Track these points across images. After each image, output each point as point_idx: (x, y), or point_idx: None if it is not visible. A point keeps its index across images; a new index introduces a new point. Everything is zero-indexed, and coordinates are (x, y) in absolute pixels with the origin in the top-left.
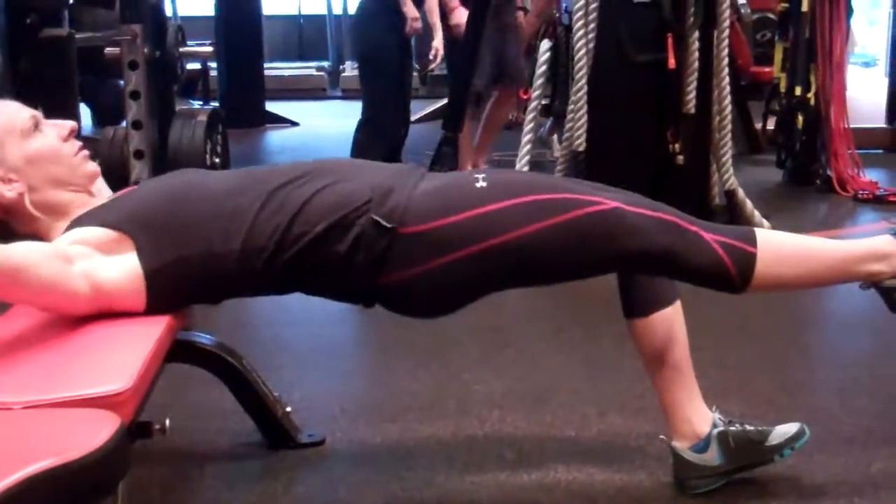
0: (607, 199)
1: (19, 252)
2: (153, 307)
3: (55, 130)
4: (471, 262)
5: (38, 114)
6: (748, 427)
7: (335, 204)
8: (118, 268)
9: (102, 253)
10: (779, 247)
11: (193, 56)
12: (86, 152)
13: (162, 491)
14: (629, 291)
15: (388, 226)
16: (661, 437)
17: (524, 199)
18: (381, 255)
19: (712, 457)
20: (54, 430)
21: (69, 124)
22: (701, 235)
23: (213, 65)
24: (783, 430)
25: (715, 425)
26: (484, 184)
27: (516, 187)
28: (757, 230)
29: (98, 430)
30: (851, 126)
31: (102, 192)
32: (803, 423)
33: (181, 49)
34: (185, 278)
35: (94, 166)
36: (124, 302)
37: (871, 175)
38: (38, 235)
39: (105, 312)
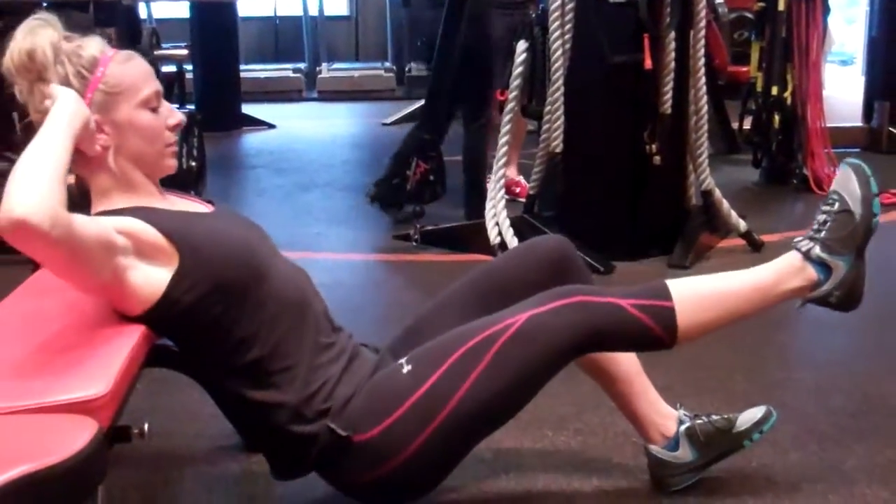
0: (518, 315)
1: (79, 229)
2: (142, 319)
3: (167, 114)
4: (431, 445)
5: (161, 90)
6: (714, 417)
7: (309, 390)
8: (147, 276)
9: (142, 255)
10: (693, 294)
11: (168, 59)
12: (175, 149)
13: (141, 494)
14: None
15: (343, 434)
16: (635, 439)
17: (447, 363)
18: (336, 457)
19: (685, 453)
20: (32, 436)
21: (180, 117)
22: (617, 304)
23: (189, 67)
24: (750, 415)
25: (681, 422)
26: (409, 366)
27: (436, 355)
28: (668, 282)
29: (76, 436)
30: (828, 125)
31: (167, 195)
32: (769, 406)
33: (156, 52)
34: (186, 322)
35: (174, 162)
36: (127, 304)
37: None
38: (90, 188)
39: (101, 300)
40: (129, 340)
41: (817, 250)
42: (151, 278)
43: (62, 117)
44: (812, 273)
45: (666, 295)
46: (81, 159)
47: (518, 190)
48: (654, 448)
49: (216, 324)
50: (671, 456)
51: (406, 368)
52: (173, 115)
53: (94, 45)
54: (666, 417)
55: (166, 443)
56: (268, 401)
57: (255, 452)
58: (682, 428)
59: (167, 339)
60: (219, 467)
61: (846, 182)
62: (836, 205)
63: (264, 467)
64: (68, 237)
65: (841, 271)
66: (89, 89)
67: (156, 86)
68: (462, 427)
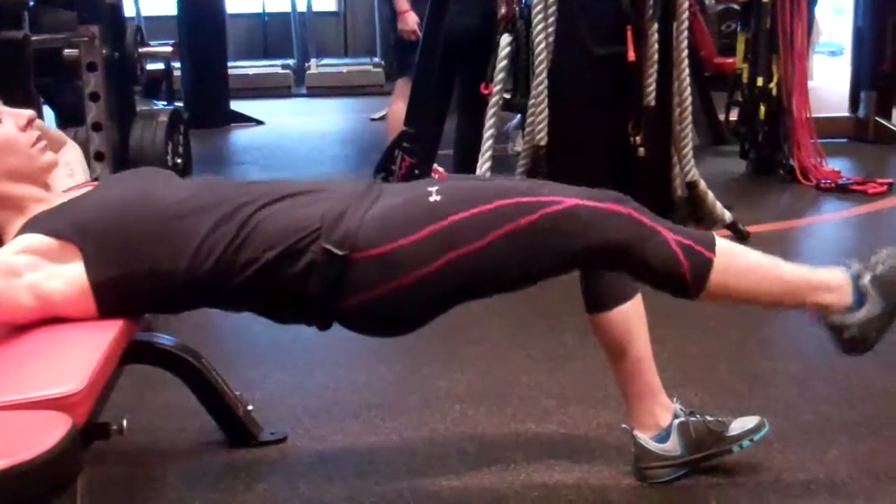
0: (564, 197)
1: None
2: (105, 314)
3: (13, 120)
4: (428, 281)
5: None
6: (708, 418)
7: (285, 230)
8: (66, 277)
9: (51, 261)
10: (738, 258)
11: (154, 56)
12: (43, 142)
13: (124, 490)
14: (591, 287)
15: (340, 253)
16: (624, 425)
17: (481, 209)
18: (334, 281)
19: (674, 446)
20: (5, 433)
21: (27, 113)
22: (659, 232)
23: (178, 65)
24: (742, 422)
25: (676, 416)
26: (438, 197)
27: (472, 197)
28: (719, 239)
29: (49, 432)
30: (815, 115)
31: (57, 184)
32: (763, 415)
33: (141, 49)
34: (133, 292)
35: (51, 156)
36: (73, 310)
37: (834, 164)
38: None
39: (57, 318)
40: (105, 337)
41: (866, 280)
42: (72, 277)
43: None
44: (848, 298)
45: (711, 246)
46: None
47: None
48: (642, 436)
49: (156, 271)
50: (659, 448)
51: (434, 197)
52: (16, 114)
53: None
54: (663, 408)
55: (149, 438)
56: (258, 270)
57: (237, 446)
58: (676, 421)
59: (148, 312)
60: (202, 462)
61: None
62: None
63: (247, 462)
64: None
65: (874, 311)
66: None
67: None
68: (468, 273)
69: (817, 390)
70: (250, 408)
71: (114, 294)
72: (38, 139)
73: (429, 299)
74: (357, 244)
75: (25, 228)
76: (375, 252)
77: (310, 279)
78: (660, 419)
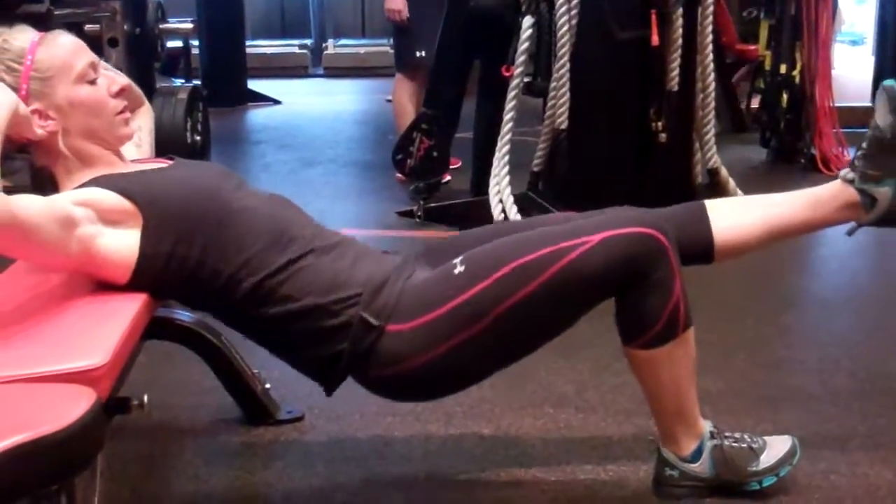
0: (592, 235)
1: (23, 211)
2: (134, 285)
3: (107, 83)
4: (460, 352)
5: (98, 60)
6: (742, 444)
7: (329, 284)
8: (117, 240)
9: (107, 221)
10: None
11: (174, 33)
12: (127, 115)
13: (142, 466)
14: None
15: (376, 323)
16: (650, 437)
17: (504, 270)
18: (366, 349)
19: (703, 469)
20: (29, 405)
21: (123, 82)
22: (675, 274)
23: (196, 43)
24: (775, 449)
25: (712, 437)
26: (462, 268)
27: (494, 259)
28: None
29: (73, 405)
30: (837, 104)
31: (127, 161)
32: (784, 406)
33: (161, 26)
34: (172, 273)
35: (130, 129)
36: (109, 273)
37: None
38: (54, 175)
39: (87, 277)
40: (129, 311)
41: (858, 182)
42: (123, 242)
43: None
44: (855, 197)
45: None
46: (39, 150)
47: None
48: (670, 455)
49: (200, 266)
50: (687, 467)
51: (459, 269)
52: (115, 81)
53: (20, 36)
54: (693, 437)
55: (167, 415)
56: (289, 311)
57: (255, 425)
58: (711, 444)
59: (170, 299)
60: (219, 440)
61: (877, 105)
62: (870, 132)
63: (264, 440)
64: (10, 221)
65: (885, 200)
66: (23, 80)
67: (88, 58)
68: (503, 337)
69: (837, 380)
70: (268, 386)
71: (154, 270)
72: (124, 110)
73: (463, 370)
74: (392, 317)
75: (94, 183)
76: (408, 326)
77: (341, 339)
78: (684, 448)
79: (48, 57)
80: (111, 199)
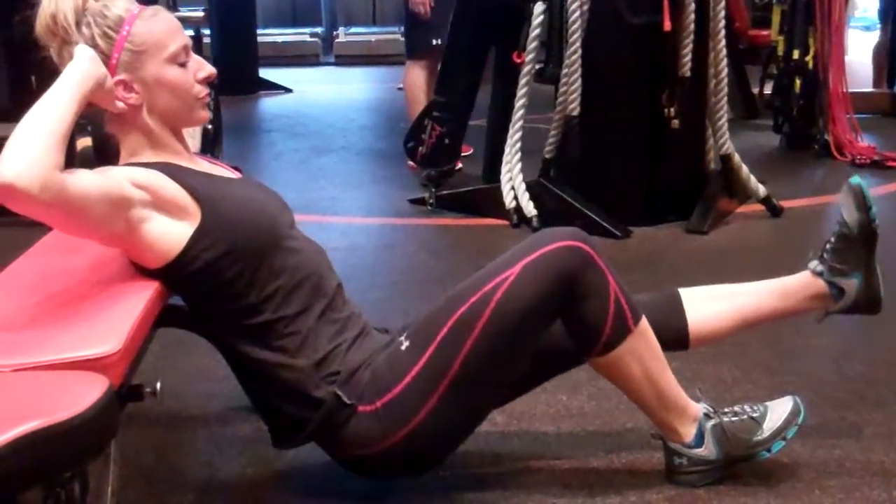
0: (511, 267)
1: (77, 191)
2: (159, 274)
3: (197, 67)
4: (435, 418)
5: (190, 44)
6: (743, 416)
7: (323, 354)
8: (167, 228)
9: (161, 208)
10: (703, 291)
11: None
12: (207, 100)
13: (154, 454)
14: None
15: (348, 402)
16: (652, 433)
17: (443, 333)
18: (337, 426)
19: (709, 451)
20: (43, 392)
21: (210, 70)
22: (606, 276)
23: (207, 31)
24: (777, 412)
25: (708, 417)
26: (407, 343)
27: (431, 324)
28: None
29: (87, 393)
30: (850, 90)
31: (189, 147)
32: (796, 393)
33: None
34: (201, 280)
35: (207, 114)
36: (145, 256)
37: (869, 139)
38: (119, 143)
39: (120, 250)
40: (142, 299)
41: (826, 276)
42: (171, 232)
43: (70, 78)
44: (824, 289)
45: (637, 317)
46: (113, 118)
47: None
48: (674, 444)
49: (229, 286)
50: (693, 453)
51: (404, 345)
52: (203, 67)
53: (120, 4)
54: (689, 422)
55: (179, 403)
56: (277, 362)
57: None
58: (709, 424)
59: (179, 295)
60: (231, 428)
61: (843, 201)
62: (838, 227)
63: None
64: (61, 199)
65: (852, 291)
66: (116, 49)
67: (183, 40)
68: (465, 394)
69: (852, 367)
70: None
71: (187, 269)
72: (206, 97)
73: (441, 435)
74: (363, 398)
75: (163, 168)
76: (372, 407)
77: (313, 408)
78: (684, 435)
79: (144, 31)
80: (174, 189)
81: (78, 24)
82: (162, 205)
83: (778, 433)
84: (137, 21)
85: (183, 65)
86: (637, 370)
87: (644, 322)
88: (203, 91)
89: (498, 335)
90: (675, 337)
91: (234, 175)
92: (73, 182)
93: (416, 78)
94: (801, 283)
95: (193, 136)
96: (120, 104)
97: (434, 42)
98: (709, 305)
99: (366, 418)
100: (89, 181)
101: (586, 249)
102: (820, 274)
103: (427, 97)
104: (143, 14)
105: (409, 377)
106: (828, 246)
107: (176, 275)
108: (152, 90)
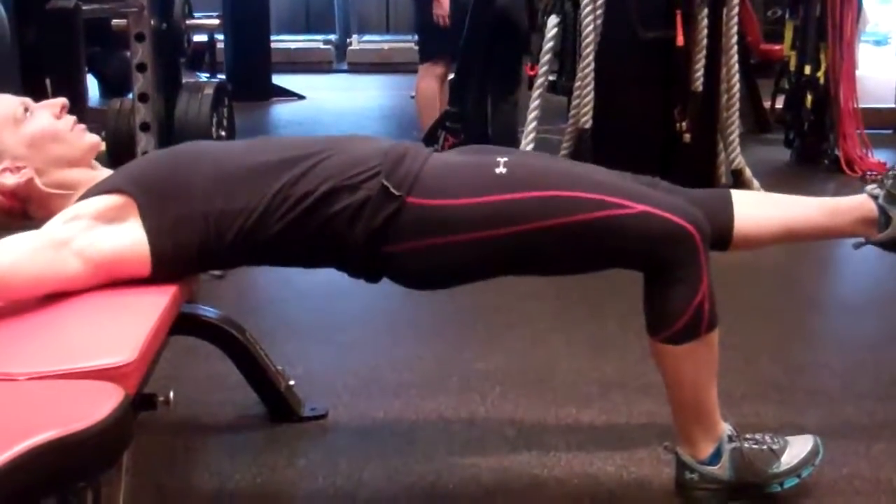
0: (635, 203)
1: (4, 255)
2: (158, 272)
3: (47, 111)
4: (471, 247)
5: (27, 99)
6: (763, 445)
7: (344, 164)
8: (121, 235)
9: (104, 222)
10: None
11: (200, 28)
12: (82, 126)
13: (166, 462)
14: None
15: (397, 193)
16: (665, 444)
17: (542, 194)
18: (384, 222)
19: (723, 471)
20: (58, 402)
21: (59, 101)
22: (703, 278)
23: (221, 37)
24: (797, 448)
25: (730, 440)
26: (504, 170)
27: (537, 179)
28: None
29: (102, 402)
30: (861, 106)
31: (102, 170)
32: (807, 409)
33: (188, 21)
34: (187, 239)
35: (93, 137)
36: (128, 269)
37: (880, 155)
38: (43, 216)
39: (111, 282)
40: (157, 307)
41: (881, 199)
42: (128, 235)
43: None
44: (874, 213)
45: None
46: (30, 204)
47: None
48: (687, 458)
49: (209, 219)
50: (706, 470)
51: (501, 169)
52: (49, 104)
53: None
54: (710, 440)
55: (191, 410)
56: (308, 206)
57: (279, 421)
58: (730, 447)
59: (202, 270)
60: (243, 436)
61: None
62: None
63: (288, 437)
64: (9, 271)
65: None
66: None
67: (17, 99)
68: (501, 252)
69: (861, 385)
70: (292, 383)
71: (168, 243)
72: (76, 122)
73: (469, 265)
74: (415, 188)
75: (79, 199)
76: (430, 203)
77: (361, 216)
78: (701, 451)
79: None
80: (98, 201)
81: None
82: (100, 218)
83: (793, 470)
84: None
85: (32, 115)
86: (689, 373)
87: (715, 333)
88: (68, 122)
89: (577, 240)
90: (718, 233)
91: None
92: (6, 248)
93: (429, 86)
94: (853, 204)
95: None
96: (21, 180)
97: (448, 47)
98: (757, 209)
99: (417, 210)
100: (13, 243)
101: (699, 242)
102: (875, 197)
103: (440, 106)
104: None
105: (489, 198)
106: (890, 172)
107: (170, 261)
108: (31, 155)
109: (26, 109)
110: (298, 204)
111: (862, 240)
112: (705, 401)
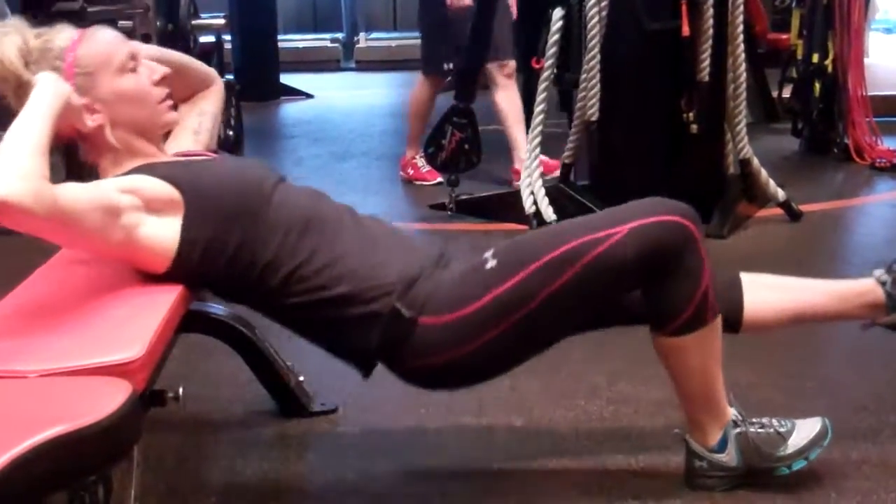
0: (621, 225)
1: (67, 199)
2: (170, 274)
3: (149, 72)
4: (494, 345)
5: (138, 50)
6: (769, 429)
7: (362, 274)
8: (159, 229)
9: (150, 209)
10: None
11: (206, 29)
12: (170, 102)
13: (176, 458)
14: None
15: (407, 315)
16: (676, 430)
17: (536, 265)
18: (398, 340)
19: (730, 458)
20: (68, 398)
21: (163, 70)
22: (704, 265)
23: (228, 37)
24: (804, 431)
25: (735, 424)
26: (493, 262)
27: (526, 255)
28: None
29: (111, 398)
30: (871, 93)
31: (181, 142)
32: (818, 397)
33: (194, 22)
34: (210, 264)
35: (174, 116)
36: (148, 262)
37: (889, 143)
38: (99, 168)
39: (123, 263)
40: (165, 304)
41: (889, 286)
42: (164, 230)
43: (39, 98)
44: (881, 299)
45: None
46: (84, 144)
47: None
48: (696, 446)
49: (237, 256)
50: (714, 457)
51: (491, 263)
52: (155, 70)
53: (61, 36)
54: (718, 425)
55: (201, 408)
56: (320, 299)
57: (289, 417)
58: (734, 432)
59: (207, 290)
60: (253, 432)
61: None
62: None
63: (298, 432)
64: (55, 209)
65: None
66: (67, 77)
67: (126, 49)
68: (536, 327)
69: (871, 371)
70: (302, 379)
71: (192, 259)
72: (167, 97)
73: (495, 361)
74: (426, 310)
75: (138, 171)
76: (441, 321)
77: (373, 329)
78: (710, 438)
79: (88, 52)
80: (155, 185)
81: (26, 65)
82: (151, 204)
83: (801, 452)
84: (80, 45)
85: (134, 71)
86: (696, 362)
87: (719, 319)
88: (162, 93)
89: (586, 284)
90: (729, 318)
91: (212, 157)
92: (64, 192)
93: (422, 94)
94: (861, 290)
95: (199, 132)
96: (91, 123)
97: (446, 66)
98: (767, 294)
99: (428, 330)
100: (79, 191)
101: (693, 231)
102: (883, 284)
103: (427, 115)
104: (84, 37)
105: (490, 296)
106: None
107: (186, 269)
108: (113, 105)
109: (133, 60)
110: (314, 292)
111: (869, 321)
112: (713, 388)
